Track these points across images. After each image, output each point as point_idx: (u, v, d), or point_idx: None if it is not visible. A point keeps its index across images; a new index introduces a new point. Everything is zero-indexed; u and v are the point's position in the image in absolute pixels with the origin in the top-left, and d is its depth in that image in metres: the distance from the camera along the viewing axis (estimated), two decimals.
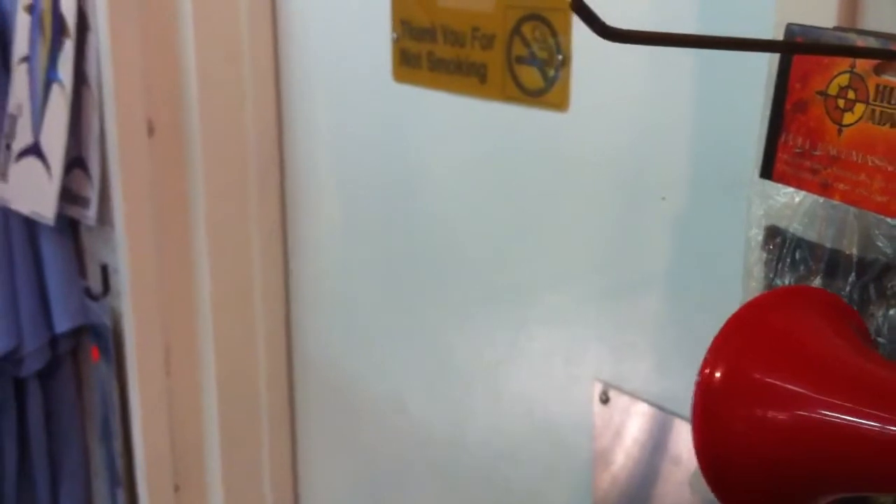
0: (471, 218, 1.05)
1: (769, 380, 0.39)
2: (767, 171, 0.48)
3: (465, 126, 1.03)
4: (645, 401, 0.89)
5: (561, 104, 0.92)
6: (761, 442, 0.40)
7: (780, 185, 0.47)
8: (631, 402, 0.90)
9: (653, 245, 0.86)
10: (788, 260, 0.46)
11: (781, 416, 0.39)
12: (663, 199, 0.84)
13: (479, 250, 1.05)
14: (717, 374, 0.41)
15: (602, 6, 0.83)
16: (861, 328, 0.42)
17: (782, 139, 0.47)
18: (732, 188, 0.76)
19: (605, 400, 0.92)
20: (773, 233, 0.48)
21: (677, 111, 0.81)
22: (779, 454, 0.39)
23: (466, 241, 1.06)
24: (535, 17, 0.93)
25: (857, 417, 0.37)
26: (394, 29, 1.09)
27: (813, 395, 0.38)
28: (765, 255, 0.48)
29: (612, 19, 0.75)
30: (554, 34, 0.91)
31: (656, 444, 0.89)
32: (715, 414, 0.41)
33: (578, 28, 0.89)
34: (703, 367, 0.41)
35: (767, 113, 0.47)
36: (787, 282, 0.47)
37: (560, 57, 0.91)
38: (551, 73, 0.92)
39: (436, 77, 1.05)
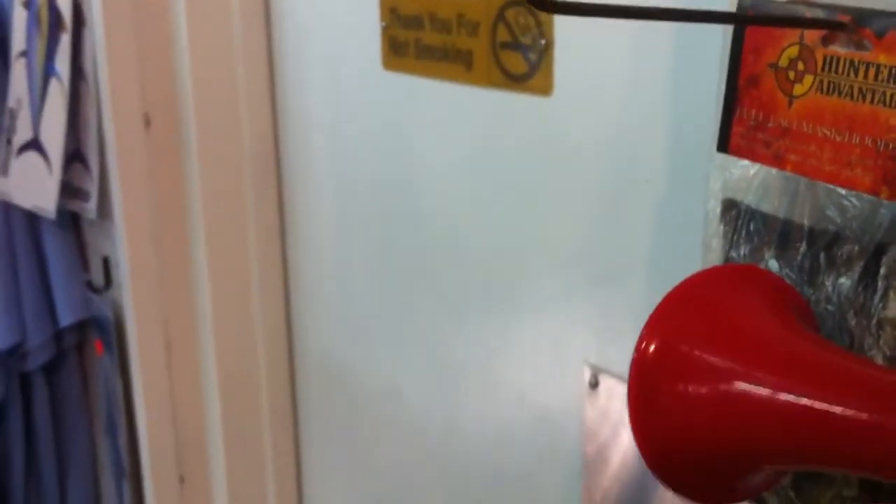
0: (460, 206, 1.05)
1: (698, 354, 0.40)
2: (724, 145, 0.48)
3: (453, 113, 1.03)
4: None
5: (545, 89, 0.92)
6: (691, 415, 0.40)
7: (736, 159, 0.47)
8: (619, 385, 0.90)
9: (638, 228, 0.86)
10: (744, 232, 0.47)
11: (708, 388, 0.39)
12: (647, 181, 0.84)
13: (470, 238, 1.05)
14: (651, 349, 0.41)
15: None
16: (801, 307, 0.42)
17: (737, 113, 0.47)
18: (705, 167, 0.76)
19: (594, 384, 0.93)
20: (729, 205, 0.48)
21: (658, 92, 0.81)
22: (707, 426, 0.39)
23: (456, 229, 1.06)
24: (518, 2, 0.93)
25: (777, 390, 0.37)
26: (382, 17, 1.09)
27: (738, 368, 0.38)
28: (722, 227, 0.48)
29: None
30: (536, 19, 0.91)
31: None
32: (649, 388, 0.41)
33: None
34: (639, 342, 0.41)
35: (722, 87, 0.47)
36: (742, 253, 0.47)
37: (543, 42, 0.91)
38: (534, 58, 0.92)
39: (424, 64, 1.05)
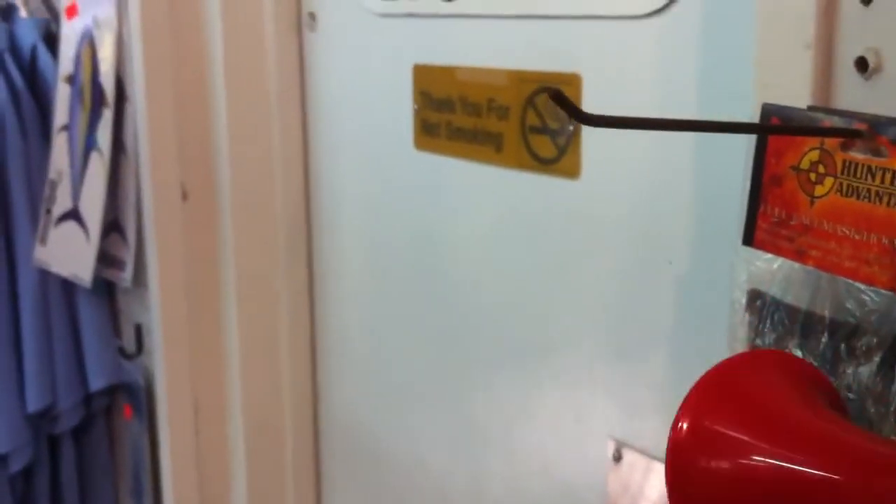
0: (486, 278, 1.09)
1: (729, 433, 0.43)
2: (749, 239, 0.51)
3: (482, 192, 1.07)
4: (657, 458, 0.91)
5: (573, 172, 0.96)
6: (722, 490, 0.43)
7: (760, 252, 0.51)
8: (643, 459, 0.92)
9: (660, 305, 0.89)
10: (768, 321, 0.50)
11: (737, 466, 0.43)
12: (670, 263, 0.87)
13: (496, 309, 1.08)
14: (685, 427, 0.44)
15: (612, 92, 0.87)
16: (828, 391, 0.46)
17: (761, 209, 0.51)
18: (728, 254, 0.79)
19: (617, 458, 0.95)
20: (754, 296, 0.51)
21: (680, 178, 0.85)
22: (737, 499, 0.42)
23: (484, 300, 1.10)
24: (546, 89, 0.98)
25: (803, 466, 0.40)
26: (415, 100, 1.14)
27: (763, 446, 0.42)
28: (747, 316, 0.51)
29: (619, 102, 0.79)
30: None
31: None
32: (683, 464, 0.44)
33: (588, 99, 0.94)
34: (675, 421, 0.45)
35: (747, 185, 0.51)
36: (767, 341, 0.50)
37: (571, 128, 0.95)
38: (563, 142, 0.96)
39: (454, 145, 1.09)
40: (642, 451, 0.92)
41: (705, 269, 0.85)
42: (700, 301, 0.86)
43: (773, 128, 0.48)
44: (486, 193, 1.07)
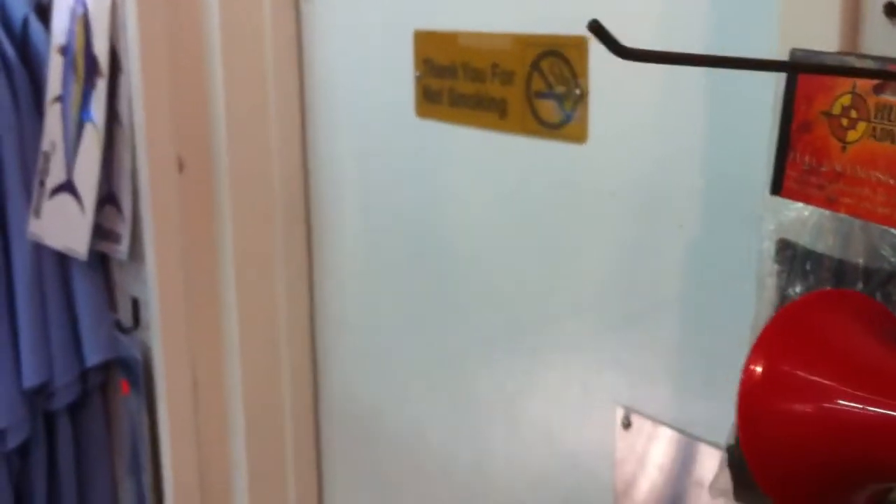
0: (491, 248, 1.08)
1: (801, 374, 0.43)
2: (777, 188, 0.50)
3: (486, 158, 1.06)
4: (667, 424, 0.90)
5: (579, 136, 0.95)
6: (797, 433, 0.43)
7: (789, 201, 0.50)
8: (653, 426, 0.92)
9: (669, 270, 0.89)
10: (799, 271, 0.49)
11: (812, 407, 0.42)
12: (680, 227, 0.87)
13: (500, 280, 1.07)
14: (757, 370, 0.44)
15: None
16: (890, 322, 0.45)
17: (790, 158, 0.50)
18: (745, 212, 0.78)
19: (626, 425, 0.94)
20: (783, 246, 0.50)
21: (691, 140, 0.84)
22: (815, 444, 0.42)
23: (487, 271, 1.09)
24: (552, 53, 0.97)
25: (879, 408, 0.40)
26: (416, 67, 1.12)
27: (840, 387, 0.42)
28: (776, 266, 0.50)
29: (627, 65, 0.78)
30: (571, 69, 0.95)
31: (680, 467, 0.91)
32: (755, 406, 0.44)
33: (595, 62, 0.92)
34: (746, 363, 0.45)
35: (775, 133, 0.50)
36: (798, 291, 0.49)
37: (578, 91, 0.94)
38: (569, 106, 0.95)
39: (457, 112, 1.08)
40: (652, 417, 0.92)
41: (714, 230, 0.84)
42: (711, 265, 0.85)
43: (809, 66, 0.47)
44: (491, 159, 1.06)
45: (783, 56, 0.52)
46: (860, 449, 0.41)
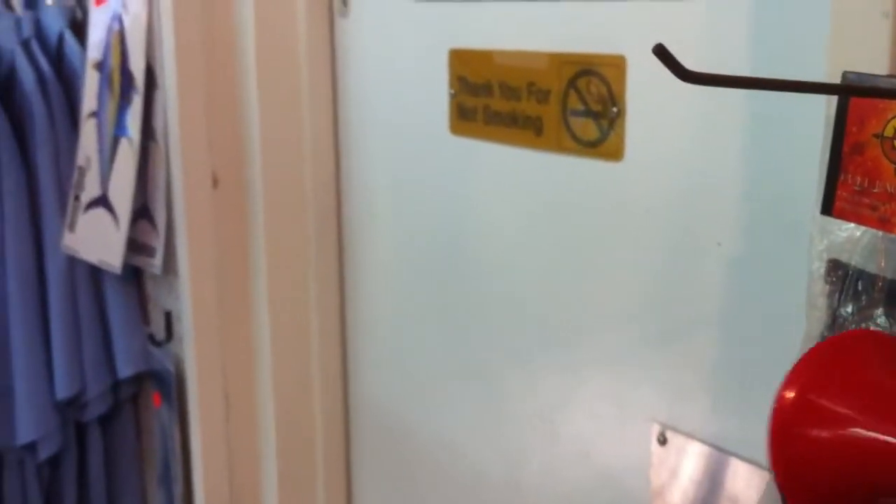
0: (525, 263, 1.09)
1: (826, 404, 0.48)
2: (828, 209, 0.51)
3: (520, 175, 1.07)
4: (702, 441, 0.91)
5: (616, 154, 0.96)
6: (822, 455, 0.48)
7: (840, 221, 0.50)
8: (688, 442, 0.92)
9: (707, 288, 0.89)
10: (850, 291, 0.50)
11: (836, 434, 0.47)
12: (719, 244, 0.87)
13: (534, 295, 1.08)
14: (790, 396, 0.49)
15: (659, 75, 0.87)
16: None
17: (841, 178, 0.50)
18: (787, 231, 0.79)
19: (662, 441, 0.94)
20: (834, 266, 0.51)
21: (729, 158, 0.85)
22: (835, 465, 0.47)
23: (521, 286, 1.09)
24: (589, 72, 0.98)
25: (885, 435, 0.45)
26: (451, 85, 1.13)
27: (857, 417, 0.47)
28: (827, 287, 0.51)
29: (666, 86, 0.79)
30: (609, 88, 0.95)
31: (714, 484, 0.91)
32: (787, 431, 0.49)
33: (633, 81, 0.93)
34: (780, 390, 0.50)
35: (826, 155, 0.51)
36: (849, 311, 0.50)
37: (615, 109, 0.95)
38: (606, 124, 0.96)
39: (492, 130, 1.09)
40: (687, 434, 0.92)
41: (753, 248, 0.84)
42: (751, 283, 0.85)
43: (870, 90, 0.47)
44: (525, 177, 1.07)
45: (831, 78, 0.53)
46: (870, 471, 0.46)
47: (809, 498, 0.48)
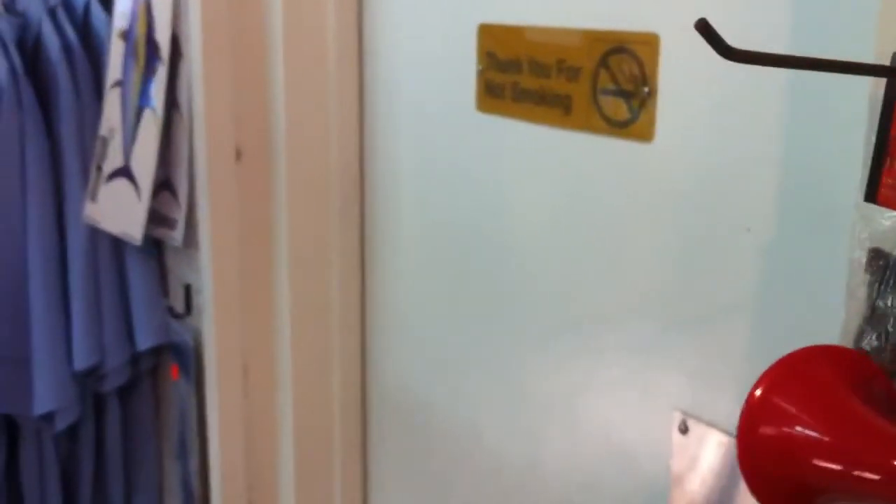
0: (551, 245, 1.07)
1: (787, 407, 0.55)
2: (872, 196, 0.49)
3: (547, 155, 1.05)
4: (725, 431, 0.89)
5: (646, 135, 0.93)
6: (777, 448, 0.55)
7: (884, 209, 0.48)
8: (711, 432, 0.90)
9: (736, 274, 0.87)
10: (891, 281, 0.47)
11: (777, 431, 0.54)
12: (748, 230, 0.85)
13: (559, 278, 1.06)
14: (757, 396, 0.56)
15: (692, 53, 0.85)
16: (881, 384, 0.54)
17: (887, 164, 0.48)
18: (822, 218, 0.77)
19: (684, 430, 0.93)
20: (876, 255, 0.49)
21: (762, 141, 0.83)
22: (782, 460, 0.54)
23: (547, 268, 1.08)
24: (621, 49, 0.95)
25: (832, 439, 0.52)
26: (479, 61, 1.11)
27: (804, 419, 0.54)
28: (868, 276, 0.49)
29: (699, 65, 0.77)
30: (641, 67, 0.93)
31: (734, 474, 0.89)
32: (754, 426, 0.56)
33: (665, 60, 0.91)
34: (751, 390, 0.56)
35: (872, 139, 0.49)
36: (889, 302, 0.48)
37: (646, 89, 0.93)
38: (637, 104, 0.94)
39: (520, 107, 1.07)
40: (710, 424, 0.90)
41: (785, 234, 0.82)
42: (778, 270, 0.83)
43: None
44: (552, 156, 1.05)
45: (880, 58, 0.51)
46: (806, 467, 0.53)
47: (767, 490, 0.55)
